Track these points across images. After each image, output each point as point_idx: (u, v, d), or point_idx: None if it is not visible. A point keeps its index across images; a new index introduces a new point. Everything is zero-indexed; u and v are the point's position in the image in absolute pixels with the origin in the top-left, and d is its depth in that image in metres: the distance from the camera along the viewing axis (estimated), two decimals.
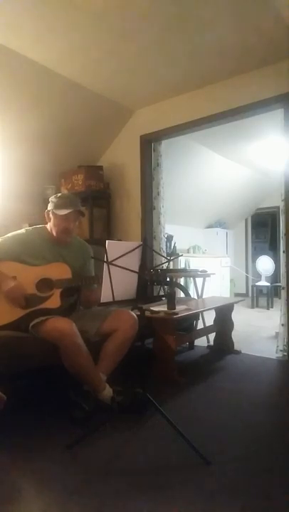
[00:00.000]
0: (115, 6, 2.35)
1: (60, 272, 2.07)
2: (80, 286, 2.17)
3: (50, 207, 2.16)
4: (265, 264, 6.41)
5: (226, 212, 7.14)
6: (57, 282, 2.03)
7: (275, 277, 6.32)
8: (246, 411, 2.06)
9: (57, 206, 2.11)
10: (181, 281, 4.78)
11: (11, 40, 2.68)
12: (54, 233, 2.14)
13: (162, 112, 3.78)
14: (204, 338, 3.51)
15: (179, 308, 2.63)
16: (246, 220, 8.00)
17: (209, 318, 3.48)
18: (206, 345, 3.49)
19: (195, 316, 3.28)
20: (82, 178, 3.83)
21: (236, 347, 3.28)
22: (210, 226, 7.09)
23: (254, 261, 6.69)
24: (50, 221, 2.17)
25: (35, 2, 2.30)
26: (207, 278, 4.00)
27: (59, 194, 2.25)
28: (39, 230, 2.20)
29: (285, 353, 3.05)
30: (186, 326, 3.17)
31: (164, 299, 2.91)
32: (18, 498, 1.35)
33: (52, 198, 2.18)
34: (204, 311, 3.06)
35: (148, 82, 3.38)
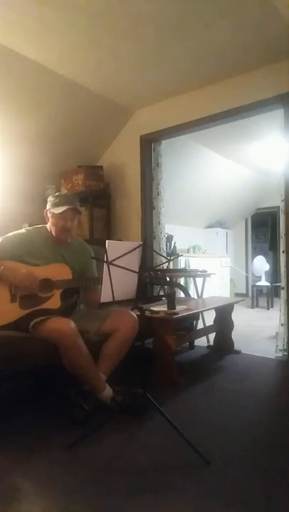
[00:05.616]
0: (115, 6, 2.35)
1: (60, 272, 2.06)
2: (81, 287, 2.16)
3: (48, 206, 2.16)
4: (258, 264, 6.40)
5: (226, 213, 7.14)
6: (57, 283, 2.03)
7: (275, 277, 6.32)
8: (246, 411, 2.06)
9: (54, 205, 2.12)
10: (181, 281, 4.78)
11: (10, 40, 2.68)
12: (53, 233, 2.14)
13: (162, 111, 3.78)
14: (204, 338, 3.51)
15: (179, 308, 2.63)
16: (246, 220, 8.00)
17: (209, 318, 3.47)
18: (206, 345, 3.49)
19: (195, 316, 3.28)
20: (82, 178, 3.83)
21: (236, 347, 3.28)
22: (210, 226, 7.09)
23: None
24: (48, 220, 2.17)
25: (35, 2, 2.30)
26: (207, 278, 3.99)
27: (57, 193, 2.25)
28: (39, 230, 2.20)
29: (285, 353, 3.05)
30: (186, 326, 3.17)
31: (164, 299, 2.90)
32: (18, 498, 1.35)
33: (50, 198, 2.18)
34: (204, 311, 3.06)
35: (148, 82, 3.37)
